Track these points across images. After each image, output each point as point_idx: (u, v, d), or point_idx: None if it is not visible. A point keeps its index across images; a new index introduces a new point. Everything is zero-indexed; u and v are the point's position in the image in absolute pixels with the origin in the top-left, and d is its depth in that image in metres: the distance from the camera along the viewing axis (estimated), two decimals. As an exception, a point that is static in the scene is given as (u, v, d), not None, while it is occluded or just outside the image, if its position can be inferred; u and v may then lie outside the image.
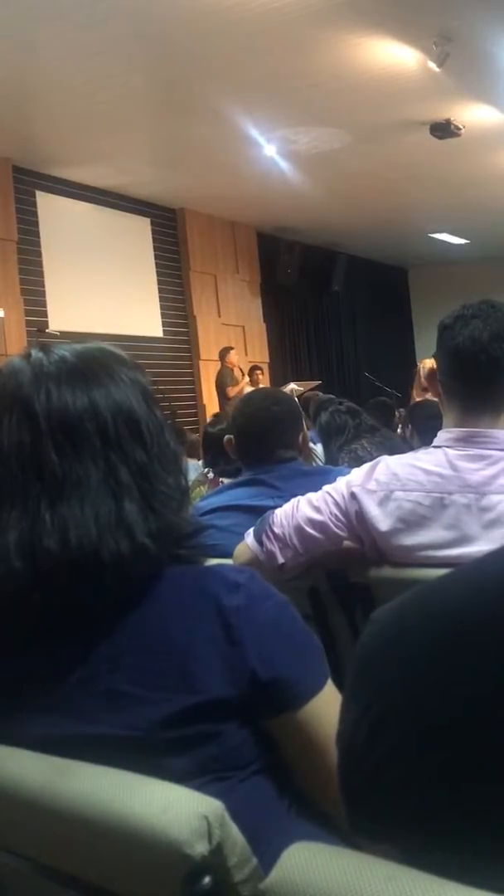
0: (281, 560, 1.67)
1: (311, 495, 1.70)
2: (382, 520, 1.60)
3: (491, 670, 0.55)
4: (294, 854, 0.61)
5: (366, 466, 1.68)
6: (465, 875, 0.53)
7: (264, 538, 1.68)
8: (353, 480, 1.66)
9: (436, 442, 1.64)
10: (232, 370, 9.66)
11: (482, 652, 0.56)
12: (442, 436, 1.63)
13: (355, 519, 1.63)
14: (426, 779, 0.56)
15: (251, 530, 1.73)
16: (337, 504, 1.65)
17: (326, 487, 1.69)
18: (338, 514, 1.65)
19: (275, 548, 1.67)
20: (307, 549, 1.66)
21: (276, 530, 1.67)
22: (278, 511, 1.71)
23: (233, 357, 9.71)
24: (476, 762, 0.54)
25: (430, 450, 1.63)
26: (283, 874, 0.60)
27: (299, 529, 1.66)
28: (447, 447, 1.60)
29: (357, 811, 0.62)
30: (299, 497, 1.71)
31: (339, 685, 0.95)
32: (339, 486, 1.67)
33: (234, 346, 10.14)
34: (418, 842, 0.57)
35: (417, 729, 0.57)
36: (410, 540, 1.59)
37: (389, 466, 1.64)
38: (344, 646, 1.69)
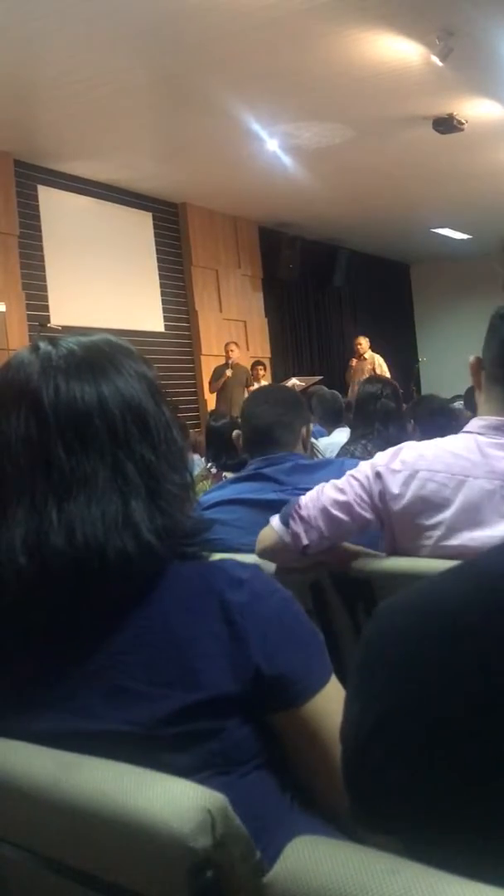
0: (305, 541, 1.68)
1: (334, 480, 1.72)
2: (403, 497, 1.61)
3: (491, 666, 0.56)
4: (297, 848, 0.61)
5: (391, 449, 1.70)
6: (465, 867, 0.54)
7: (290, 520, 1.70)
8: (377, 462, 1.69)
9: (467, 428, 1.64)
10: (224, 364, 9.68)
11: (482, 648, 0.57)
12: (475, 423, 1.64)
13: (378, 498, 1.65)
14: (428, 772, 0.56)
15: (276, 516, 1.74)
16: (361, 485, 1.67)
17: (350, 471, 1.72)
18: (362, 494, 1.66)
19: (300, 529, 1.68)
20: (332, 531, 1.68)
21: (303, 512, 1.69)
22: (303, 497, 1.73)
23: (231, 352, 9.72)
24: (477, 757, 0.55)
25: (461, 435, 1.64)
26: (285, 868, 0.60)
27: (325, 511, 1.67)
28: (478, 434, 1.61)
29: (361, 803, 0.63)
30: (323, 483, 1.73)
31: (342, 680, 0.95)
32: (364, 468, 1.70)
33: (236, 341, 10.13)
34: (420, 834, 0.57)
35: (420, 724, 0.58)
36: (427, 520, 1.60)
37: (416, 448, 1.66)
38: (346, 640, 1.70)
